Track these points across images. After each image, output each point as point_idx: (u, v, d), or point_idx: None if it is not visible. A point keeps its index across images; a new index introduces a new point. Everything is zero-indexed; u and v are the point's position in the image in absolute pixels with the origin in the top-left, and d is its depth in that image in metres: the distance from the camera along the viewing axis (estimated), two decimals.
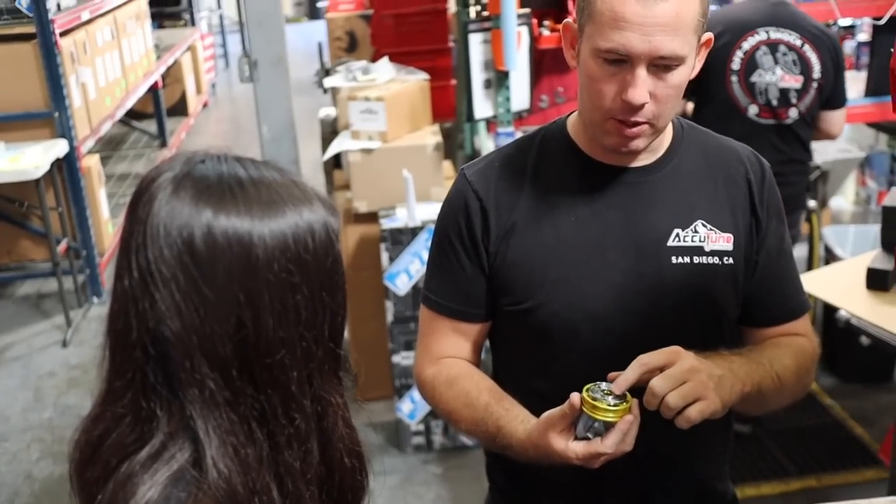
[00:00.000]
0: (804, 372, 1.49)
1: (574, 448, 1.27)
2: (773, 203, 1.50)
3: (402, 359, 3.53)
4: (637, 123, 1.34)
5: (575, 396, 1.26)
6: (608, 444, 1.26)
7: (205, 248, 0.85)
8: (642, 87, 1.29)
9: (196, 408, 0.85)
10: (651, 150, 1.45)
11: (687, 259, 1.43)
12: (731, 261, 1.45)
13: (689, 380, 1.25)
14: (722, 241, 1.44)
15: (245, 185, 0.88)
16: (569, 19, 1.40)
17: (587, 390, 1.27)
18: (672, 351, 1.28)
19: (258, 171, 0.90)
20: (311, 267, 0.89)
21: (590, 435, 1.27)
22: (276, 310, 0.87)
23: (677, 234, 1.43)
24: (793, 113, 3.17)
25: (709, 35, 1.38)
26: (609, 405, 1.25)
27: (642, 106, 1.31)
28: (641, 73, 1.29)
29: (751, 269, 1.48)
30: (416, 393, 3.56)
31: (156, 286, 0.85)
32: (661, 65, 1.29)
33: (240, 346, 0.86)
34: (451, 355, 1.53)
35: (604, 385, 1.28)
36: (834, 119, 3.30)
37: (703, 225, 1.44)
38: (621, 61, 1.30)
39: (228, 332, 0.85)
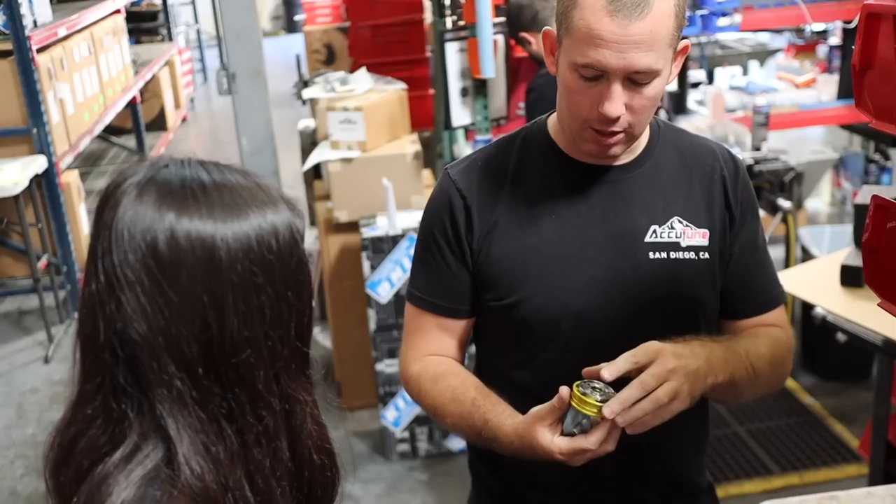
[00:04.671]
0: (779, 362, 1.51)
1: (558, 443, 1.30)
2: (746, 199, 1.53)
3: (386, 367, 3.54)
4: (614, 133, 1.37)
5: (564, 390, 1.28)
6: (592, 441, 1.28)
7: (168, 251, 0.86)
8: (618, 101, 1.32)
9: (165, 407, 0.86)
10: (629, 150, 1.48)
11: (664, 254, 1.46)
12: (706, 256, 1.48)
13: (670, 380, 1.29)
14: (698, 236, 1.48)
15: (208, 189, 0.89)
16: (549, 27, 1.43)
17: (577, 386, 1.29)
18: (655, 349, 1.31)
19: (221, 174, 0.91)
20: (276, 268, 0.90)
21: (576, 431, 1.29)
22: (240, 310, 0.88)
23: (654, 231, 1.46)
24: None
25: (685, 42, 1.41)
26: (597, 400, 1.27)
27: (618, 118, 1.35)
28: (617, 87, 1.32)
29: (725, 263, 1.51)
30: (400, 400, 3.57)
31: (121, 289, 0.86)
32: (637, 79, 1.32)
33: (205, 346, 0.87)
34: (436, 352, 1.56)
35: (596, 383, 1.30)
36: None
37: (680, 221, 1.47)
38: (597, 76, 1.32)
39: (193, 332, 0.86)
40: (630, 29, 1.27)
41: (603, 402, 1.27)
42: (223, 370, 0.88)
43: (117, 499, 0.85)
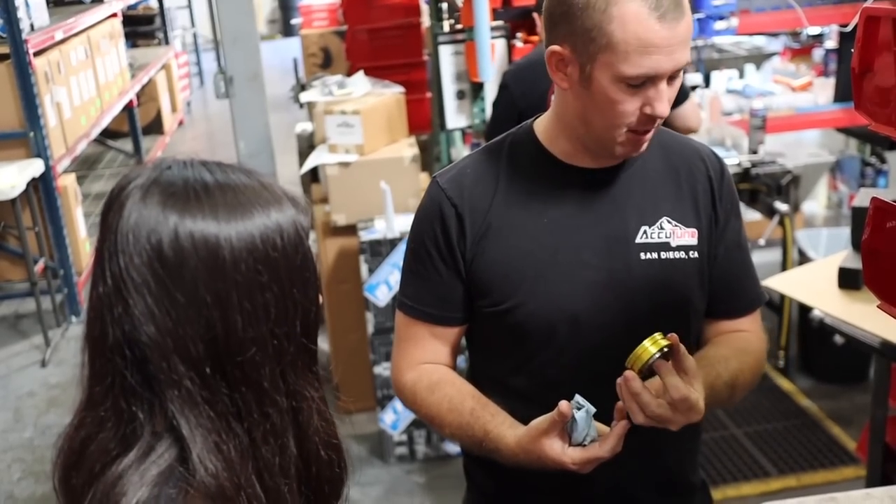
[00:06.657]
0: (744, 384, 1.52)
1: (571, 454, 1.32)
2: (731, 199, 1.55)
3: (384, 370, 3.54)
4: (649, 130, 1.40)
5: (563, 404, 1.30)
6: (607, 449, 1.31)
7: (172, 252, 0.86)
8: (668, 100, 1.36)
9: (177, 407, 0.87)
10: None
11: (655, 255, 1.47)
12: (696, 255, 1.49)
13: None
14: (687, 236, 1.49)
15: (211, 189, 0.90)
16: (555, 47, 1.38)
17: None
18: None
19: (225, 174, 0.92)
20: (281, 265, 0.91)
21: (586, 442, 1.32)
22: (244, 309, 0.88)
23: (644, 231, 1.47)
24: None
25: None
26: (651, 349, 1.28)
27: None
28: (664, 87, 1.35)
29: (711, 264, 1.52)
30: (398, 403, 3.57)
31: (128, 292, 0.87)
32: (675, 74, 1.35)
33: (210, 345, 0.88)
34: (429, 359, 1.56)
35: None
36: (685, 113, 3.26)
37: (669, 221, 1.49)
38: (643, 81, 1.33)
39: (199, 332, 0.87)
40: (678, 30, 1.31)
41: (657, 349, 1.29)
42: (229, 369, 0.89)
43: (132, 498, 0.85)
